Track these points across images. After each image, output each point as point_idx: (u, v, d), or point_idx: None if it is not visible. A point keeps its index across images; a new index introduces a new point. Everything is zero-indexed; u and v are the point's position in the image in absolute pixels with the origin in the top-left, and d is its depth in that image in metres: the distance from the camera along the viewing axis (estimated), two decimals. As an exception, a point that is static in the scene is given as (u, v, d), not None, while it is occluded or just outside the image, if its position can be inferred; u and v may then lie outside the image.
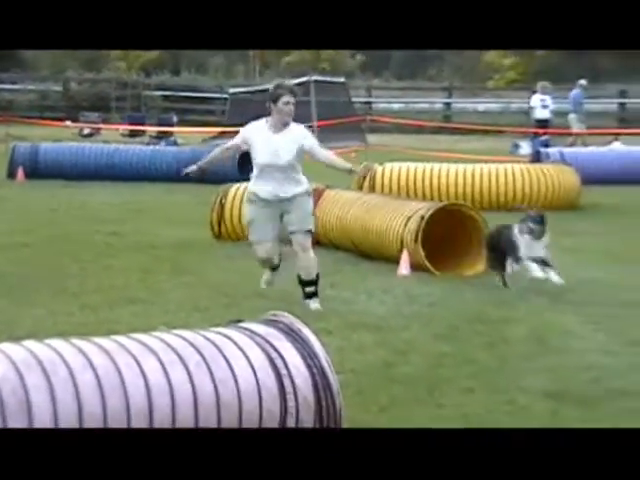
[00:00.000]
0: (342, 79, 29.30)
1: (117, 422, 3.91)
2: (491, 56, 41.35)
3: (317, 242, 10.40)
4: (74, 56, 41.34)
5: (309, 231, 7.48)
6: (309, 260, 7.47)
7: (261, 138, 7.36)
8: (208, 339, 4.37)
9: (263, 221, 7.51)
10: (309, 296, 7.48)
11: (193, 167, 7.76)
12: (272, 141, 7.33)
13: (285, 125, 7.35)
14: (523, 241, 7.90)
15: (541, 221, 7.93)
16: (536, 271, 7.80)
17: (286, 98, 7.28)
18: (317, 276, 7.52)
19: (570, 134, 22.78)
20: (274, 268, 7.95)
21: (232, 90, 29.36)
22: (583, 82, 23.42)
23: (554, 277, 7.75)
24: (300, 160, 7.40)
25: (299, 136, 7.36)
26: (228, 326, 4.68)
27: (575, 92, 23.22)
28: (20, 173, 17.03)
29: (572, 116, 22.86)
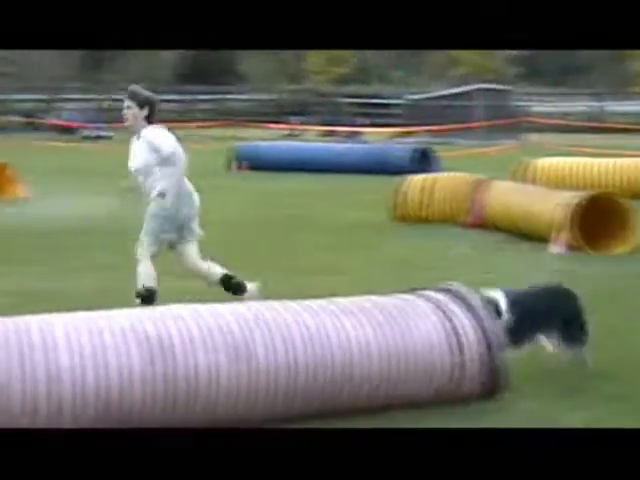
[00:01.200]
0: (509, 87, 28.68)
1: (322, 372, 3.97)
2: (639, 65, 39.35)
3: (480, 224, 10.10)
4: (283, 71, 42.32)
5: (143, 241, 5.80)
6: (139, 272, 5.81)
7: None
8: (392, 303, 4.35)
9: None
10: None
11: (124, 185, 6.13)
12: (131, 149, 5.97)
13: (137, 130, 5.81)
14: None
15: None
16: None
17: (124, 103, 5.81)
18: (146, 291, 5.68)
19: None
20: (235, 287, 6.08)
21: (408, 97, 29.36)
22: None
23: None
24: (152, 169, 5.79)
25: (143, 146, 5.78)
26: (408, 292, 4.62)
27: None
28: (243, 166, 17.68)
29: None
